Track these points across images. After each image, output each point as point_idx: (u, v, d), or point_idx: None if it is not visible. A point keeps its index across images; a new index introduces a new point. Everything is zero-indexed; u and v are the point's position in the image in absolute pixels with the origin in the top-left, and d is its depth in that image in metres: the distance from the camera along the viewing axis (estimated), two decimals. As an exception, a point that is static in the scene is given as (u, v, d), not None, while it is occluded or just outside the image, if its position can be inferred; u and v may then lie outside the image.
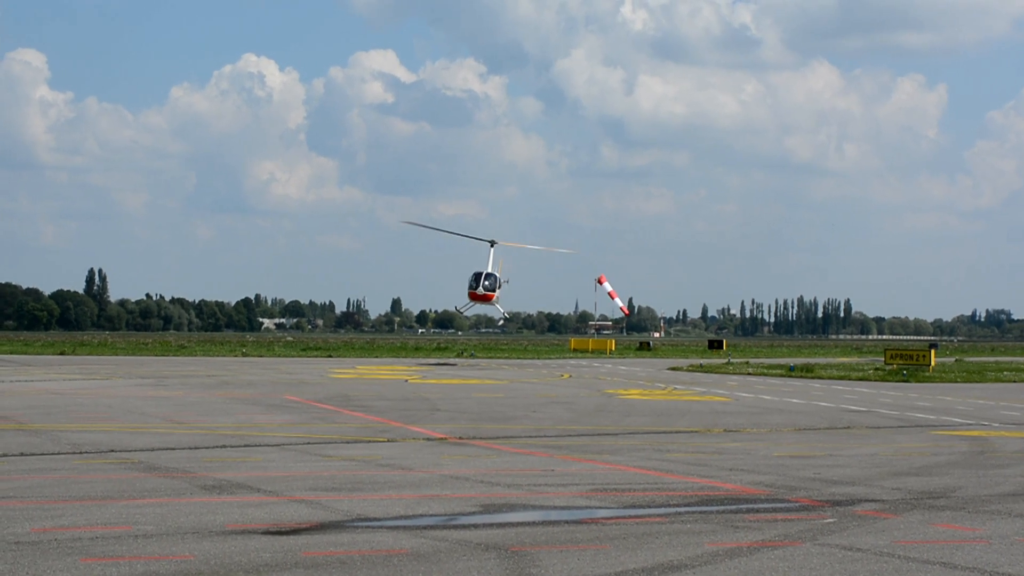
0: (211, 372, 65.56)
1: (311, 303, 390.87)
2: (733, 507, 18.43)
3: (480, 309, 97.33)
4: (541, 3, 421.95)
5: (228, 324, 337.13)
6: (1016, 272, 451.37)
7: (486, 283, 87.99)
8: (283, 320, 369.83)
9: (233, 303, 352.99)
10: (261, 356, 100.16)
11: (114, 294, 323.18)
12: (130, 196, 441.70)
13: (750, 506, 18.57)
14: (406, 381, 57.74)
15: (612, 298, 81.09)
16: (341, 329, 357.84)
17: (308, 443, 27.49)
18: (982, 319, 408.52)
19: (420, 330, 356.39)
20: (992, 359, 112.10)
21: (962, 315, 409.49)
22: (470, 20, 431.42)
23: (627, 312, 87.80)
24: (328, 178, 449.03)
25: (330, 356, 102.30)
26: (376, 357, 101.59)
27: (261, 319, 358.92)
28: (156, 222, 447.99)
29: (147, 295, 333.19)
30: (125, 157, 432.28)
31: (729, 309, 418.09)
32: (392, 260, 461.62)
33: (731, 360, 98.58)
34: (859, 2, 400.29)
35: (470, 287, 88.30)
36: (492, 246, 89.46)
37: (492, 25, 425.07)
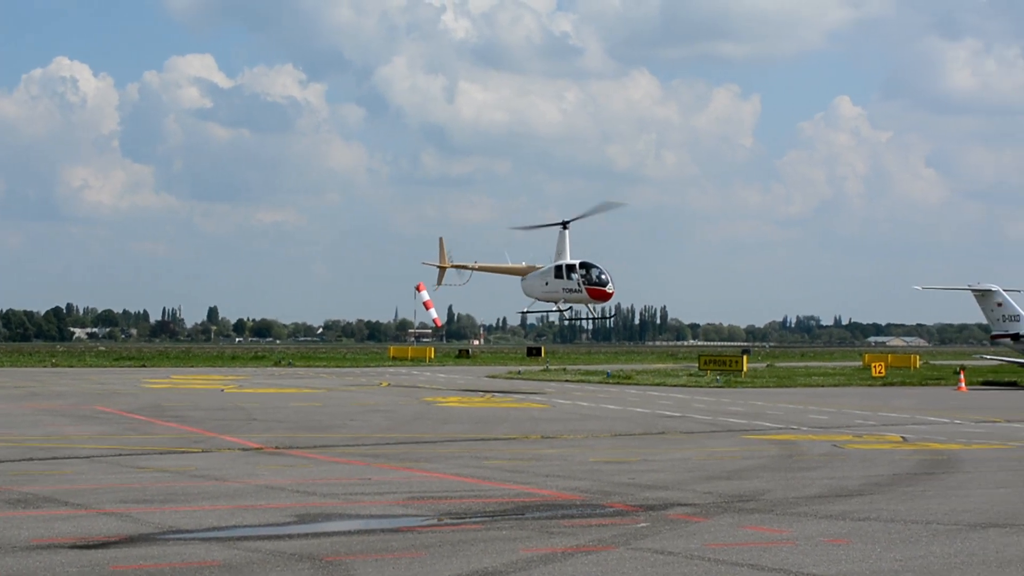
0: (18, 383, 63.71)
1: (125, 312, 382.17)
2: (548, 513, 18.60)
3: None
4: (361, 10, 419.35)
5: (37, 334, 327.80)
6: (825, 279, 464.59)
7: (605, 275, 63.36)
8: (95, 329, 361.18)
9: (43, 312, 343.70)
10: (72, 366, 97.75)
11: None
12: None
13: (565, 512, 18.75)
14: (222, 390, 56.97)
15: (427, 308, 78.55)
16: (156, 338, 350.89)
17: (119, 455, 26.90)
18: (793, 325, 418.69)
19: (237, 339, 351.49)
20: (802, 364, 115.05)
21: (774, 321, 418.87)
22: (289, 26, 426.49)
23: (439, 323, 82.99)
24: (143, 184, 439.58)
25: (144, 366, 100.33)
26: (191, 366, 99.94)
27: (72, 328, 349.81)
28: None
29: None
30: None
31: (547, 316, 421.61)
32: (209, 268, 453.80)
33: (549, 367, 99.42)
34: (679, 13, 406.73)
35: (590, 282, 62.27)
36: (565, 228, 64.84)
37: (311, 31, 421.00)
